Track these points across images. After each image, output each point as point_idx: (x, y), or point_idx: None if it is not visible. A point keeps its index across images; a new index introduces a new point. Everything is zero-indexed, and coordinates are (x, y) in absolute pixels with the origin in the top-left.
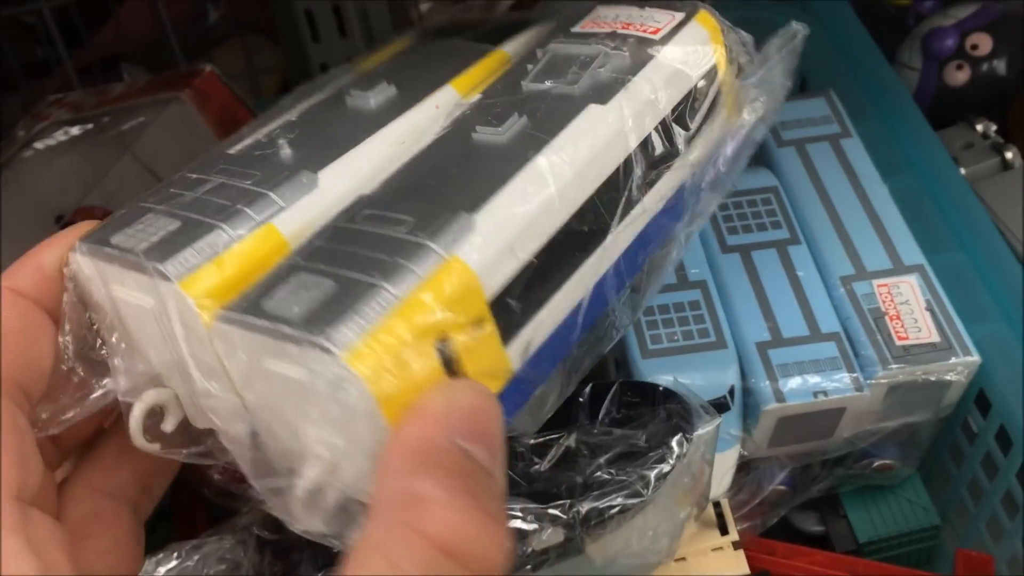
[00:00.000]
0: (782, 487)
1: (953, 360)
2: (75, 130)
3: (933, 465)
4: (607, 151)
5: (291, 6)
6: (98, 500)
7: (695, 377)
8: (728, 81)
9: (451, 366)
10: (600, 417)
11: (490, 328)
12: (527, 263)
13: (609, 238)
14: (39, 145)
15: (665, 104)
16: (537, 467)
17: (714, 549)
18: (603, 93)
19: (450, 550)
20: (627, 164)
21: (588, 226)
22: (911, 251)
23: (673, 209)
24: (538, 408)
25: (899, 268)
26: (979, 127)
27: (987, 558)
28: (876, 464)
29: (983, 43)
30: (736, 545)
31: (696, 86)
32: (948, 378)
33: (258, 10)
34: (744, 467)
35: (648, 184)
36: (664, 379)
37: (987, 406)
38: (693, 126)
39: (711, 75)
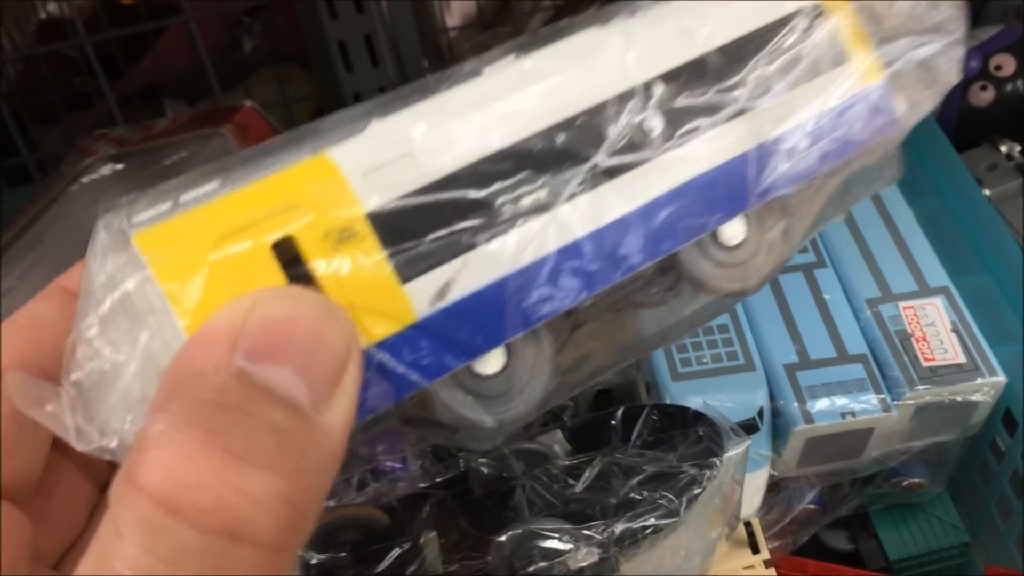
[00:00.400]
0: (812, 506)
1: (979, 380)
2: (120, 165)
3: (962, 483)
4: (587, 77)
5: (324, 37)
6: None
7: (725, 399)
8: (854, 24)
9: (302, 281)
10: (632, 440)
11: (368, 245)
12: (440, 179)
13: (597, 188)
14: (86, 180)
15: (713, 33)
16: (572, 489)
17: (745, 568)
18: (607, 16)
19: (168, 503)
20: (624, 98)
21: (559, 164)
22: (936, 273)
23: (719, 181)
24: (508, 395)
25: (924, 290)
26: (1003, 148)
27: (1016, 575)
28: (905, 483)
29: (1007, 64)
30: (767, 564)
31: (791, 17)
32: (974, 398)
33: (291, 40)
34: (774, 487)
35: (671, 134)
36: (694, 401)
37: (1014, 425)
38: (774, 75)
39: (817, 15)
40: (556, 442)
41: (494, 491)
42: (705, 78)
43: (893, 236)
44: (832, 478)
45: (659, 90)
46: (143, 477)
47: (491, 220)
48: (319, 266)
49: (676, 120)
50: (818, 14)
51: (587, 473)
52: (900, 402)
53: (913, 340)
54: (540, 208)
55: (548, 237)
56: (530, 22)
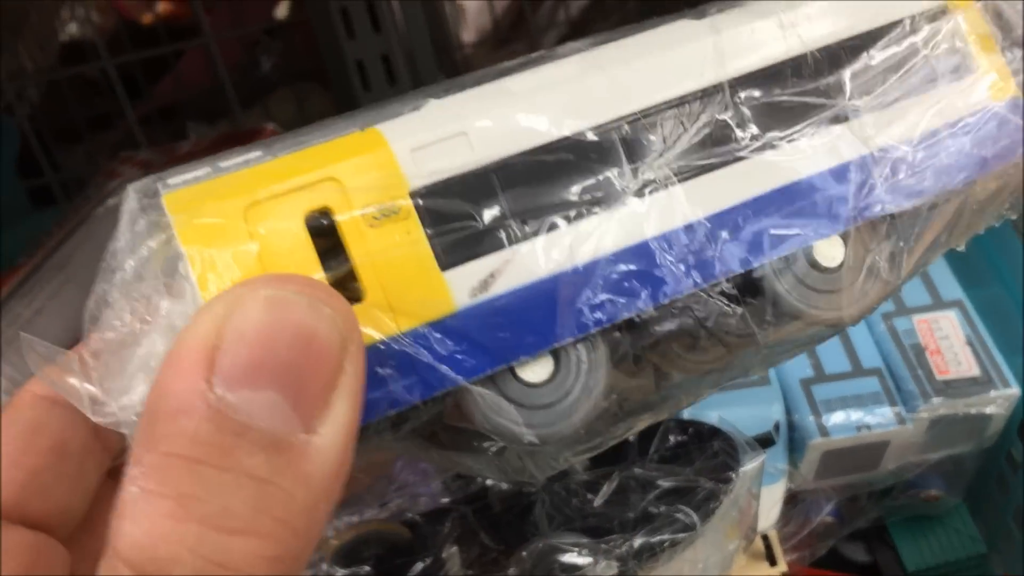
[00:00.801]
0: (829, 518)
1: (993, 393)
2: None
3: (979, 494)
4: (667, 68)
5: (342, 55)
6: None
7: (741, 413)
8: (981, 30)
9: (335, 256)
10: (650, 454)
11: (409, 225)
12: (493, 163)
13: (670, 187)
14: (112, 203)
15: (816, 31)
16: (590, 503)
17: None
18: (701, 11)
19: (140, 572)
20: (709, 93)
21: (628, 157)
22: (950, 286)
23: (814, 191)
24: (557, 410)
25: (938, 303)
26: None
27: None
28: (922, 495)
29: None
30: None
31: (909, 18)
32: (988, 411)
33: (309, 59)
34: (792, 499)
35: (761, 135)
36: (711, 415)
37: None
38: (885, 80)
39: (937, 15)
40: None
41: (514, 506)
42: (803, 78)
43: None
44: (849, 491)
45: (749, 87)
46: (121, 547)
47: (546, 211)
48: (353, 242)
49: (767, 120)
50: (939, 16)
51: (605, 488)
52: (915, 415)
53: (927, 353)
54: (602, 203)
55: (609, 235)
56: (545, 38)
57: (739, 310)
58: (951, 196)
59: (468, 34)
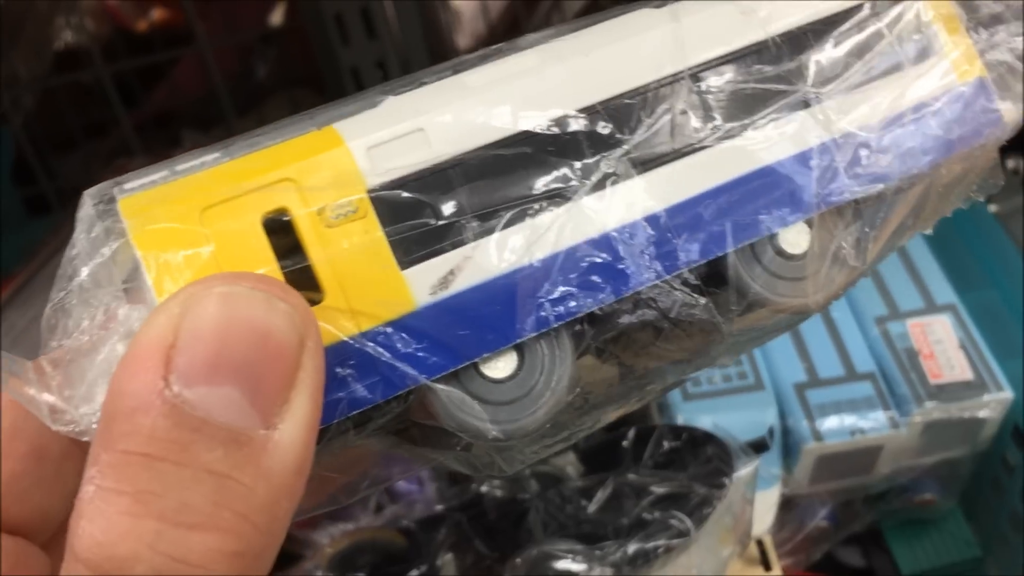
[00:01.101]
0: (824, 523)
1: (986, 397)
2: None
3: (974, 498)
4: (626, 58)
5: (337, 62)
6: None
7: (735, 418)
8: (946, 11)
9: (293, 256)
10: (644, 460)
11: (367, 224)
12: (451, 159)
13: (631, 179)
14: None
15: (777, 16)
16: (585, 509)
17: None
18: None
19: (99, 572)
20: (668, 82)
21: (587, 150)
22: (943, 290)
23: (776, 178)
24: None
25: (931, 307)
26: (1010, 163)
27: None
28: (917, 499)
29: None
30: None
31: (872, 3)
32: (981, 415)
33: (304, 65)
34: (787, 504)
35: (722, 123)
36: (705, 421)
37: (1023, 439)
38: (848, 64)
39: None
40: (569, 463)
41: (508, 513)
42: (765, 65)
43: (900, 254)
44: (843, 495)
45: (710, 75)
46: (78, 548)
47: (506, 206)
48: (311, 242)
49: (729, 109)
50: None
51: (599, 494)
52: (908, 419)
53: (921, 357)
54: (562, 196)
55: (569, 229)
56: None
57: (703, 300)
58: (917, 180)
59: (463, 39)
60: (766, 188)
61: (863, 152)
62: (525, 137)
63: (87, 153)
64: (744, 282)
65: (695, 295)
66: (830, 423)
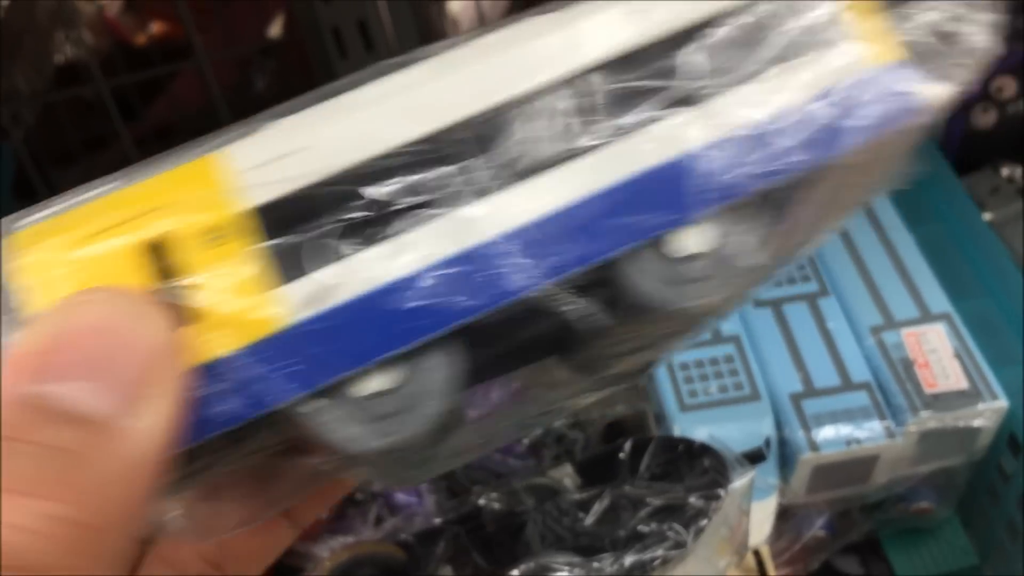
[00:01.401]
0: (821, 533)
1: (981, 406)
2: None
3: (971, 506)
4: (510, 65)
5: (335, 75)
6: (163, 569)
7: (732, 429)
8: None
9: (167, 279)
10: (640, 472)
11: (238, 246)
12: (325, 178)
13: (514, 185)
14: None
15: (669, 14)
16: (582, 522)
17: None
18: (555, 6)
19: None
20: (550, 87)
21: (466, 160)
22: (938, 299)
23: (660, 178)
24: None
25: (926, 317)
26: (1005, 171)
27: None
28: (913, 507)
29: (1007, 86)
30: None
31: None
32: (976, 424)
33: (302, 78)
34: (784, 514)
35: (602, 125)
36: (701, 432)
37: (1019, 448)
38: (742, 53)
39: None
40: (566, 476)
41: (507, 526)
42: (652, 62)
43: (894, 262)
44: (840, 505)
45: (597, 76)
46: None
47: (380, 220)
48: (184, 269)
49: (615, 109)
50: None
51: (596, 506)
52: (904, 429)
53: (916, 367)
54: (443, 205)
55: (444, 240)
56: None
57: (593, 307)
58: (823, 171)
59: None
60: (655, 189)
61: (759, 145)
62: (407, 149)
63: (87, 167)
64: (636, 286)
65: (584, 301)
66: (826, 433)
